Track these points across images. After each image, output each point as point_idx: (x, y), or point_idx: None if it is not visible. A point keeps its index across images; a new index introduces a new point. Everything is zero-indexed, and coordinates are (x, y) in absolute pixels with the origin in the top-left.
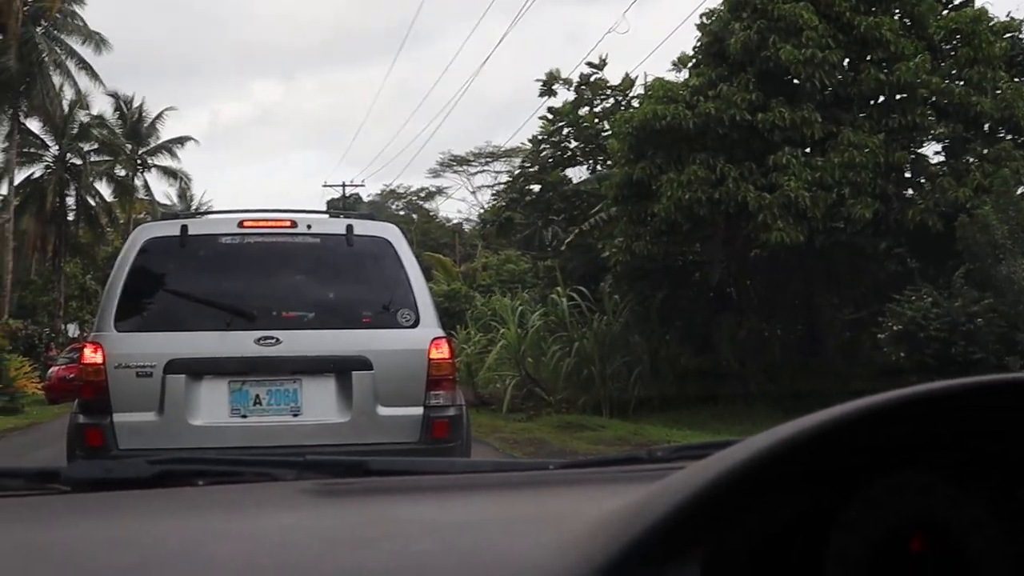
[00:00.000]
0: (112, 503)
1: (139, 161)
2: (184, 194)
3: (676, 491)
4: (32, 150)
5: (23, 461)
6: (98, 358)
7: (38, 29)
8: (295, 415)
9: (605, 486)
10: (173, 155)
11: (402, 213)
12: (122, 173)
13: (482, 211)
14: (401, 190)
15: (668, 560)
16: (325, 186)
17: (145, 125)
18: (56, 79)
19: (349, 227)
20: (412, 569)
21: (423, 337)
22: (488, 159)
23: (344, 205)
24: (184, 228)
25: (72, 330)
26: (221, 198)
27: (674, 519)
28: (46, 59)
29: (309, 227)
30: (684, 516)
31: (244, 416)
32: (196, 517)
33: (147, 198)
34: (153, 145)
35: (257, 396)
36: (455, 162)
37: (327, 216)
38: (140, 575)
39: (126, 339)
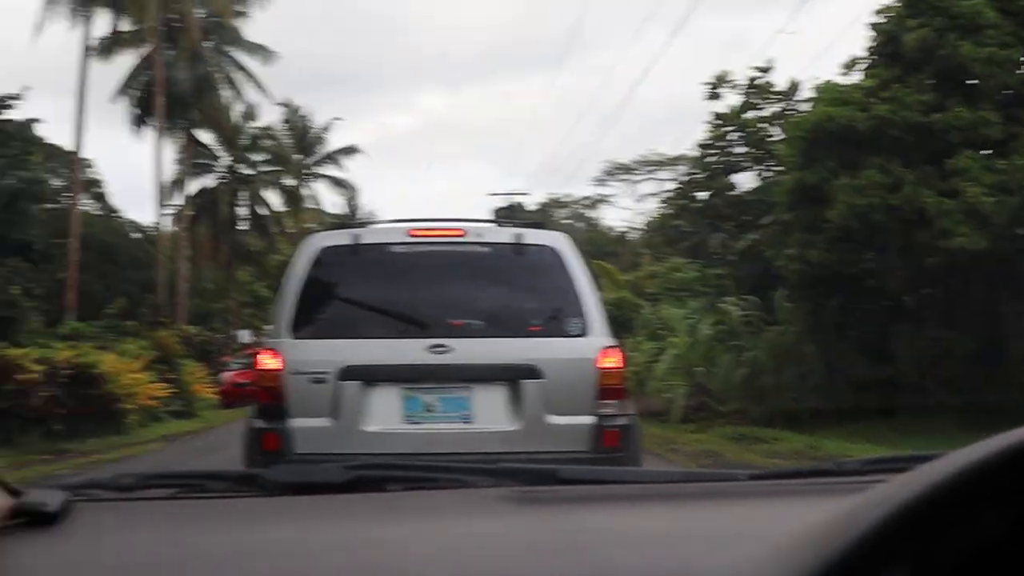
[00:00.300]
0: (310, 506)
1: (307, 171)
2: (352, 204)
3: (882, 504)
4: (204, 161)
5: (197, 465)
6: (274, 364)
7: (208, 43)
8: (466, 422)
9: (798, 498)
10: (340, 165)
11: (567, 222)
12: (291, 183)
13: (647, 219)
14: (565, 199)
15: (875, 574)
16: (490, 195)
17: (312, 136)
18: (225, 92)
19: (518, 236)
20: None
21: (593, 346)
22: (652, 167)
23: (509, 214)
24: (356, 237)
25: (245, 336)
26: (387, 208)
27: (881, 532)
28: (216, 72)
29: (479, 236)
30: (891, 530)
31: (416, 423)
32: (394, 522)
33: (316, 207)
34: (320, 155)
35: (429, 403)
36: (619, 170)
37: (496, 225)
38: None
39: (301, 346)
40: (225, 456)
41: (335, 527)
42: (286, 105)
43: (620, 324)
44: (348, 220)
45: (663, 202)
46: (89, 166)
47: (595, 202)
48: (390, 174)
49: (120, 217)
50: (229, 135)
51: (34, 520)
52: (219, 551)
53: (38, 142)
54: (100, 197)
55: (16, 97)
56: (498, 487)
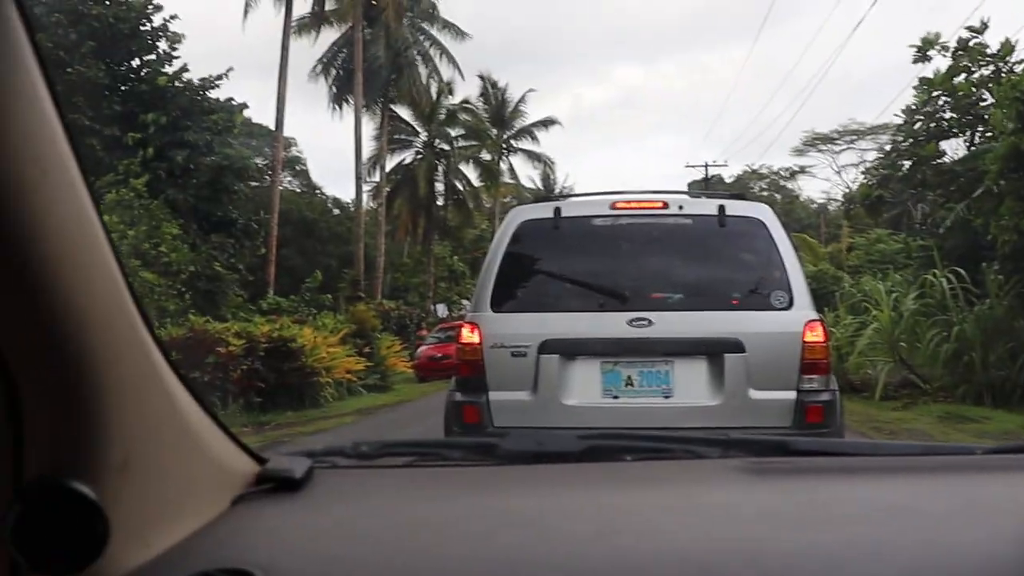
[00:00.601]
0: (546, 475)
1: (504, 145)
2: (548, 177)
3: None
4: (402, 136)
5: (392, 437)
6: (475, 338)
7: (404, 21)
8: (666, 397)
9: None
10: (535, 139)
11: (765, 194)
12: (487, 157)
13: (846, 190)
14: (763, 170)
15: None
16: (687, 167)
17: (509, 110)
18: (421, 68)
19: (721, 207)
20: (868, 552)
21: (797, 319)
22: (853, 136)
23: (706, 186)
24: (557, 210)
25: (441, 310)
26: (583, 181)
27: None
28: (412, 49)
29: (681, 208)
30: None
31: (615, 397)
32: (632, 491)
33: (512, 182)
34: (517, 128)
35: (629, 377)
36: (819, 140)
37: (699, 196)
38: (600, 543)
39: (502, 320)
40: (418, 430)
41: (572, 495)
42: (483, 78)
43: (820, 297)
44: (546, 194)
45: (865, 172)
46: (291, 144)
47: (793, 173)
48: (585, 147)
49: (321, 194)
50: (426, 111)
51: (279, 485)
52: (456, 518)
53: (242, 121)
54: (302, 175)
55: (221, 77)
56: (729, 458)
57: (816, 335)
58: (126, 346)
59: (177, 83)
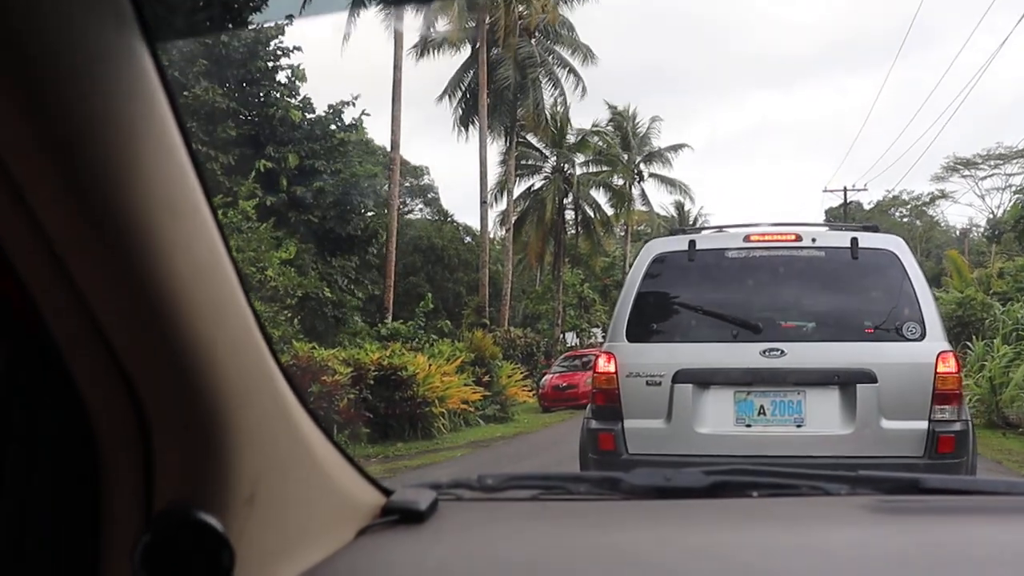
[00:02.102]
0: (671, 511)
1: (636, 170)
2: (682, 207)
3: None
4: (530, 162)
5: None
6: (611, 367)
7: (532, 41)
8: (798, 426)
9: None
10: (668, 163)
11: (905, 220)
12: (619, 182)
13: (990, 215)
14: (904, 196)
15: None
16: (825, 191)
17: (640, 135)
18: (548, 92)
19: (854, 240)
20: None
21: (930, 351)
22: (998, 161)
23: (844, 212)
24: (692, 243)
25: (570, 339)
26: (718, 210)
27: None
28: (540, 71)
29: (814, 240)
30: None
31: (748, 426)
32: (757, 529)
33: (645, 208)
34: (648, 152)
35: (761, 406)
36: (961, 165)
37: (831, 229)
38: None
39: (637, 349)
40: (534, 464)
41: (696, 533)
42: (610, 106)
43: (967, 324)
44: (680, 222)
45: (1019, 191)
46: (423, 173)
47: (934, 198)
48: (721, 175)
49: (452, 221)
50: (554, 135)
51: (403, 517)
52: (579, 554)
53: (368, 145)
54: (433, 203)
55: (347, 104)
56: (858, 495)
57: (948, 366)
58: (255, 381)
59: (307, 114)
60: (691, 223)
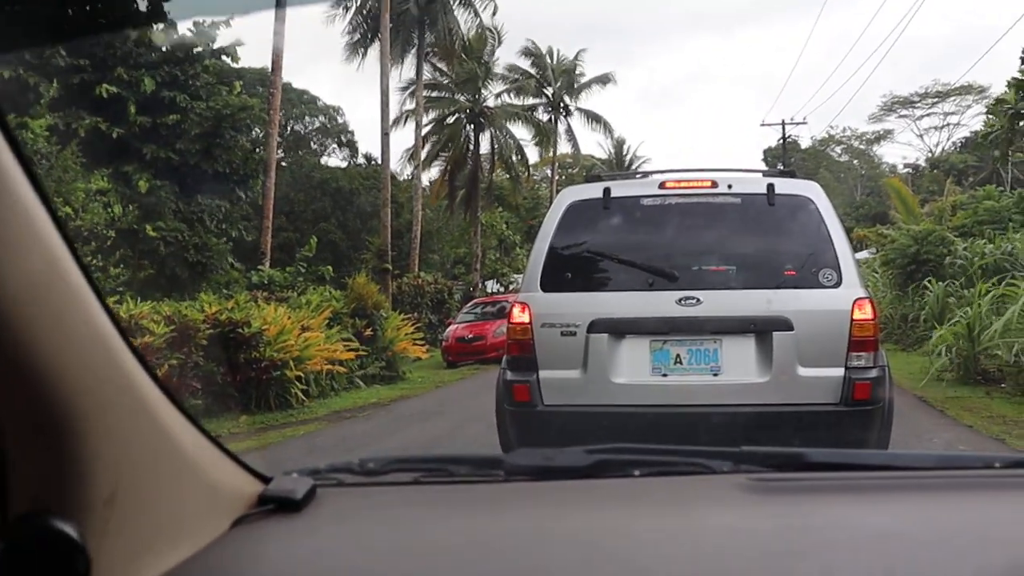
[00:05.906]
0: (552, 493)
1: (559, 103)
2: (621, 145)
3: None
4: (442, 94)
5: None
6: (525, 318)
7: None
8: (715, 375)
9: None
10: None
11: (843, 159)
12: (542, 117)
13: (929, 154)
14: (844, 135)
15: None
16: (763, 125)
17: (564, 67)
18: (463, 14)
19: (770, 186)
20: None
21: (846, 297)
22: (935, 99)
23: (784, 146)
24: (607, 191)
25: (491, 286)
26: (657, 153)
27: None
28: None
29: (730, 187)
30: None
31: (664, 375)
32: (635, 510)
33: (572, 148)
34: (572, 86)
35: (678, 355)
36: (899, 104)
37: (748, 174)
38: (597, 566)
39: (552, 299)
40: (400, 443)
41: (579, 515)
42: (529, 47)
43: (922, 263)
44: (616, 162)
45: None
46: (338, 113)
47: (878, 138)
48: (662, 120)
49: (367, 162)
50: (469, 64)
51: (280, 506)
52: (461, 537)
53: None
54: (351, 145)
55: (223, 22)
56: (741, 473)
57: (864, 313)
58: (110, 381)
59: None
60: (627, 166)
